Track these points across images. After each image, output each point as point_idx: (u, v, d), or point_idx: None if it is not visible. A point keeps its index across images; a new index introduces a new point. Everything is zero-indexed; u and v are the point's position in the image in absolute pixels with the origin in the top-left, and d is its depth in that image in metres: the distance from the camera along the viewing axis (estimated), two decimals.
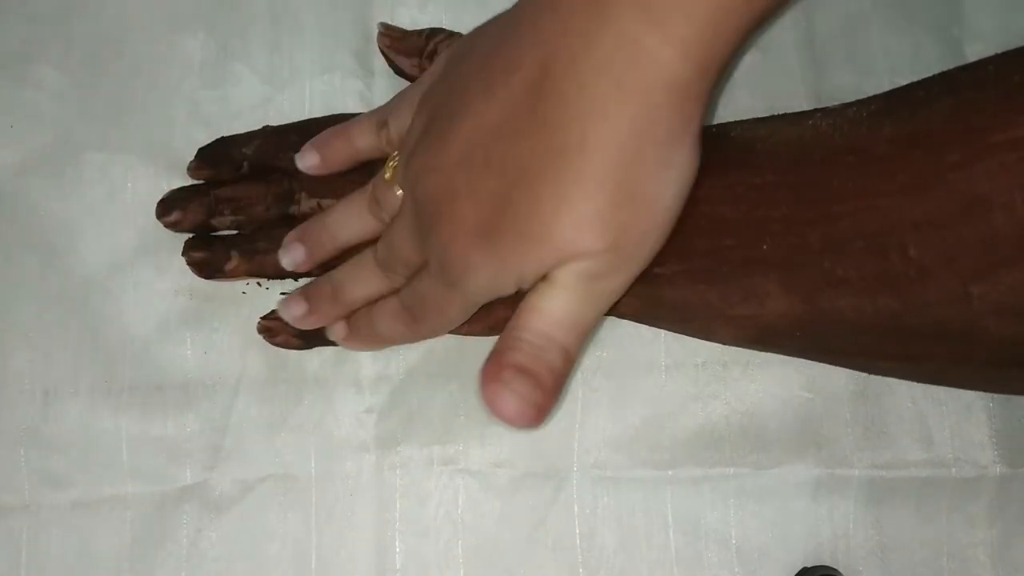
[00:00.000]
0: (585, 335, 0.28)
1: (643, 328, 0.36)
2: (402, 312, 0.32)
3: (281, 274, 0.35)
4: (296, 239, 0.34)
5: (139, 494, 0.35)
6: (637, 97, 0.24)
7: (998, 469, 0.35)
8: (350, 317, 0.34)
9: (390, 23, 0.38)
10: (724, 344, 0.35)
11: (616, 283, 0.27)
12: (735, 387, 0.36)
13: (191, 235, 0.36)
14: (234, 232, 0.36)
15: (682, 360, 0.36)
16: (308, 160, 0.35)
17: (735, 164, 0.30)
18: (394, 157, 0.32)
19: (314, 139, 0.35)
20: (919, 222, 0.25)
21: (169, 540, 0.35)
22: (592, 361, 0.36)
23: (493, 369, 0.27)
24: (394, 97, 0.35)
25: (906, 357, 0.29)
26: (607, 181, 0.25)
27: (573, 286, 0.26)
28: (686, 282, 0.31)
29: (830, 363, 0.34)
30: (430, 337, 0.34)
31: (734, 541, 0.35)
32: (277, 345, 0.35)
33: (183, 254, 0.35)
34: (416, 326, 0.32)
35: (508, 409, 0.26)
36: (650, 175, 0.25)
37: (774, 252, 0.29)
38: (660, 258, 0.31)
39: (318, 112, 0.38)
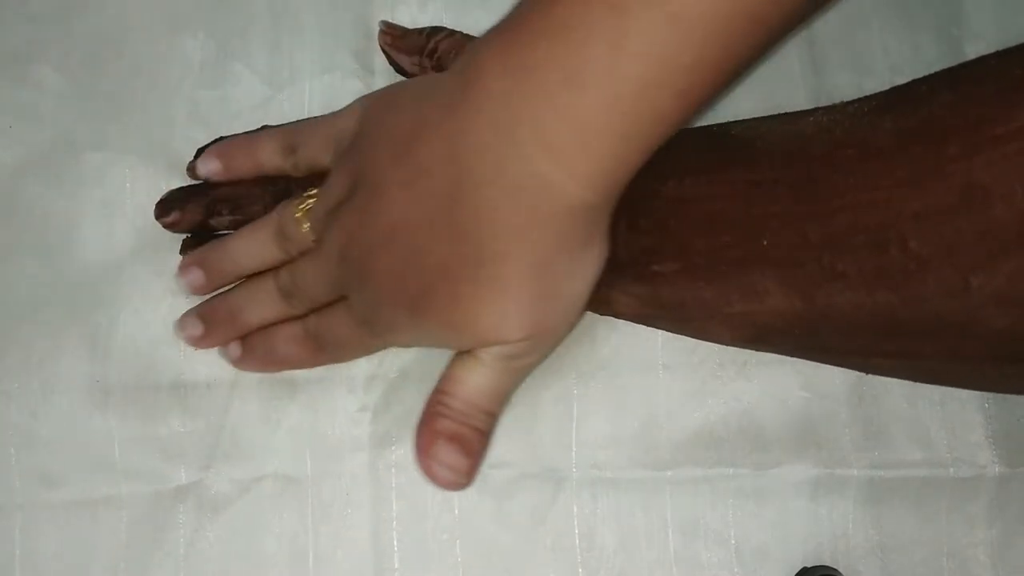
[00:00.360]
0: (505, 398, 0.31)
1: (640, 328, 0.36)
2: (307, 340, 0.34)
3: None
4: (194, 263, 0.35)
5: (134, 494, 0.35)
6: (548, 222, 0.27)
7: (996, 469, 0.35)
8: (244, 338, 0.35)
9: (391, 21, 0.38)
10: (722, 344, 0.35)
11: (532, 360, 0.30)
12: (733, 387, 0.36)
13: (188, 235, 0.36)
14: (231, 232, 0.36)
15: (680, 360, 0.36)
16: (209, 166, 0.36)
17: (734, 161, 0.30)
18: (308, 197, 0.33)
19: (217, 145, 0.36)
20: (919, 214, 0.25)
21: (165, 540, 0.34)
22: (589, 361, 0.36)
23: (427, 439, 0.30)
24: (301, 123, 0.36)
25: (903, 354, 0.29)
26: (524, 287, 0.28)
27: (492, 364, 0.30)
28: (684, 280, 0.31)
29: (827, 362, 0.34)
30: (331, 363, 0.35)
31: (733, 541, 0.35)
32: None
33: (181, 253, 0.35)
34: (319, 355, 0.34)
35: (440, 480, 0.30)
36: (562, 276, 0.28)
37: (773, 249, 0.28)
38: (658, 257, 0.31)
39: (318, 112, 0.38)
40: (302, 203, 0.33)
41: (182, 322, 0.35)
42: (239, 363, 0.35)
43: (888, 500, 0.35)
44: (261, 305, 0.34)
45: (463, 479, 0.31)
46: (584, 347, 0.36)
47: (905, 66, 0.39)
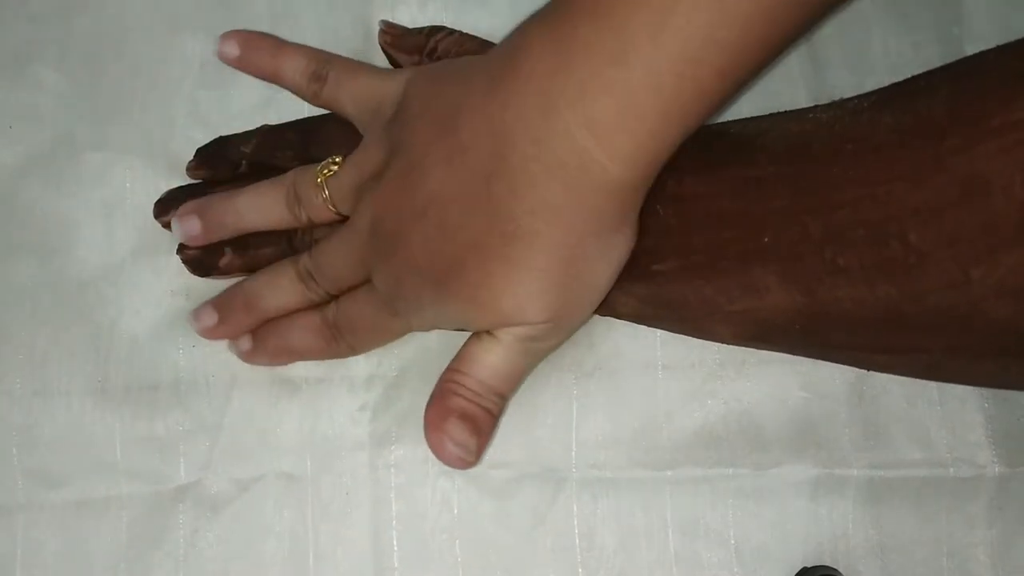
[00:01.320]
0: (519, 382, 0.32)
1: (639, 328, 0.36)
2: (323, 328, 0.33)
3: None
4: (193, 211, 0.34)
5: (134, 494, 0.35)
6: (584, 199, 0.27)
7: (996, 469, 0.35)
8: (255, 331, 0.34)
9: (391, 21, 0.38)
10: (723, 342, 0.35)
11: (550, 344, 0.31)
12: (732, 387, 0.36)
13: None
14: None
15: (678, 360, 0.36)
16: (227, 47, 0.36)
17: (735, 158, 0.30)
18: (332, 163, 0.33)
19: (242, 33, 0.36)
20: (919, 208, 0.25)
21: (165, 540, 0.34)
22: (588, 362, 0.36)
23: (437, 416, 0.31)
24: (340, 57, 0.36)
25: (904, 349, 0.29)
26: (552, 267, 0.28)
27: (513, 346, 0.30)
28: (685, 279, 0.31)
29: (828, 359, 0.34)
30: (345, 356, 0.35)
31: (733, 541, 0.35)
32: None
33: (178, 252, 0.35)
34: (337, 345, 0.34)
35: (447, 456, 0.31)
36: (590, 263, 0.28)
37: (774, 244, 0.28)
38: (658, 256, 0.31)
39: (318, 113, 0.38)
40: (324, 168, 0.33)
41: (196, 313, 0.35)
42: (249, 356, 0.35)
43: (888, 500, 0.35)
44: (279, 291, 0.34)
45: (471, 457, 0.31)
46: (583, 347, 0.36)
47: (905, 66, 0.39)
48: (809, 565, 0.35)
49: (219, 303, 0.34)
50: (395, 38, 0.37)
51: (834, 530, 0.35)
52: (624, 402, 0.36)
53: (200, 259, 0.35)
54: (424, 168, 0.29)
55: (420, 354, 0.36)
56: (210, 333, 0.35)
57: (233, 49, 0.36)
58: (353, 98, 0.34)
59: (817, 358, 0.34)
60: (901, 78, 0.39)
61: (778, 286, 0.29)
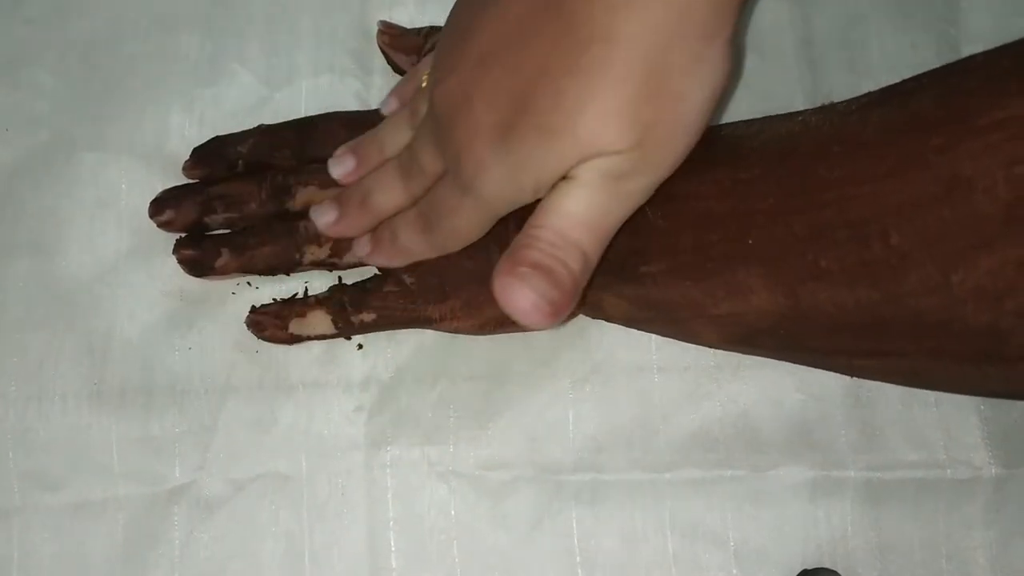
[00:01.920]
0: (606, 238, 0.27)
1: (633, 332, 0.36)
2: (418, 220, 0.32)
3: (270, 269, 0.35)
4: (348, 151, 0.34)
5: (130, 495, 0.35)
6: None
7: (993, 470, 0.35)
8: (372, 232, 0.34)
9: (390, 21, 0.38)
10: (710, 346, 0.35)
11: (639, 184, 0.26)
12: (728, 388, 0.36)
13: (183, 235, 0.36)
14: (226, 231, 0.36)
15: (673, 363, 0.36)
16: (390, 106, 0.35)
17: (723, 159, 0.30)
18: (428, 75, 0.31)
19: (392, 91, 0.35)
20: (902, 206, 0.25)
21: (161, 541, 0.34)
22: (584, 366, 0.36)
23: (508, 264, 0.26)
24: (410, 77, 0.35)
25: (884, 354, 0.29)
26: (634, 74, 0.24)
27: (595, 184, 0.26)
28: (671, 280, 0.31)
29: (812, 364, 0.34)
30: (449, 250, 0.33)
31: (732, 543, 0.35)
32: (264, 339, 0.35)
33: (174, 252, 0.35)
34: (431, 236, 0.32)
35: (522, 302, 0.26)
36: (679, 72, 0.24)
37: (759, 245, 0.28)
38: (646, 257, 0.31)
39: (315, 112, 0.38)
40: (425, 76, 0.31)
41: (320, 208, 0.34)
42: (371, 256, 0.34)
43: (886, 502, 0.35)
44: (386, 189, 0.33)
45: (547, 307, 0.26)
46: (578, 351, 0.36)
47: (903, 67, 0.39)
48: (808, 567, 0.35)
49: (340, 200, 0.34)
50: (393, 38, 0.37)
51: (833, 532, 0.35)
52: (620, 405, 0.36)
53: (196, 259, 0.35)
54: (482, 15, 0.27)
55: (416, 355, 0.36)
56: (330, 228, 0.34)
57: (393, 103, 0.35)
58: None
59: (801, 364, 0.34)
60: (899, 78, 0.39)
61: (762, 288, 0.29)
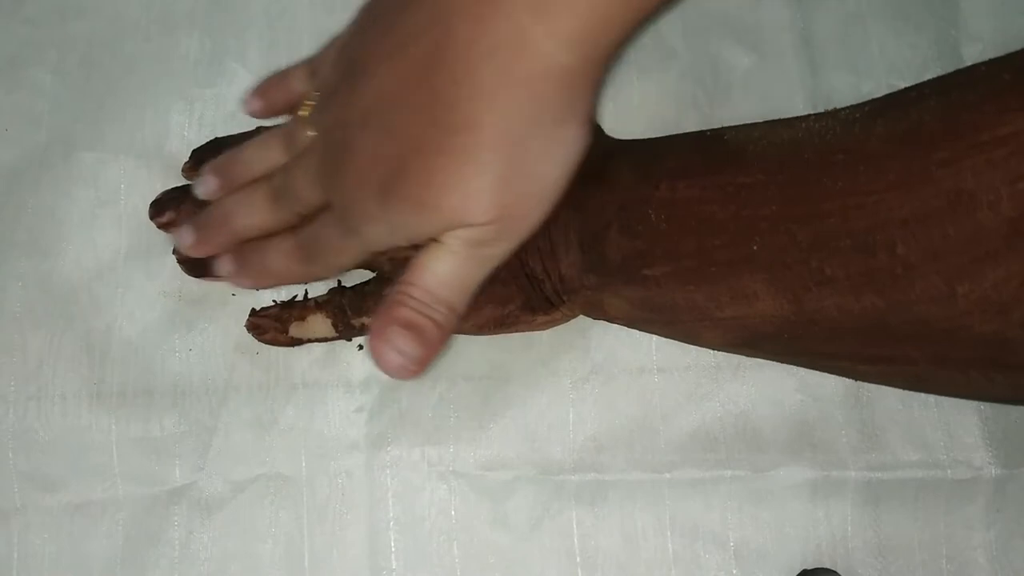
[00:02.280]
0: (469, 293, 0.31)
1: (634, 332, 0.36)
2: (296, 250, 0.33)
3: None
4: (211, 171, 0.35)
5: (130, 496, 0.35)
6: (523, 84, 0.26)
7: (993, 471, 0.35)
8: (236, 253, 0.35)
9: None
10: (713, 348, 0.35)
11: (500, 249, 0.30)
12: (728, 388, 0.36)
13: None
14: None
15: (673, 363, 0.36)
16: (253, 105, 0.36)
17: (726, 165, 0.30)
18: (313, 96, 0.33)
19: (256, 87, 0.36)
20: (907, 219, 0.25)
21: (161, 541, 0.34)
22: (584, 366, 0.36)
23: (381, 325, 0.30)
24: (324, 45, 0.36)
25: (889, 359, 0.29)
26: (495, 160, 0.27)
27: (459, 250, 0.29)
28: (674, 284, 0.31)
29: (815, 367, 0.34)
30: (320, 278, 0.35)
31: (732, 543, 0.35)
32: (265, 342, 0.35)
33: (173, 253, 0.35)
34: (308, 266, 0.33)
35: (390, 365, 0.30)
36: (536, 156, 0.27)
37: (762, 251, 0.28)
38: (649, 260, 0.31)
39: None
40: (306, 104, 0.33)
41: (180, 232, 0.35)
42: (234, 278, 0.35)
43: (886, 502, 0.35)
44: (252, 209, 0.34)
45: (413, 366, 0.30)
46: (578, 351, 0.36)
47: (903, 67, 0.39)
48: (808, 567, 0.35)
49: (197, 222, 0.35)
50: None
51: (833, 532, 0.35)
52: (620, 405, 0.36)
53: (196, 260, 0.35)
54: (367, 71, 0.29)
55: None
56: (189, 249, 0.35)
57: (257, 104, 0.36)
58: (335, 53, 0.33)
59: (805, 367, 0.34)
60: (899, 79, 0.39)
61: (766, 293, 0.29)
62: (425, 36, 0.27)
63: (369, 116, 0.29)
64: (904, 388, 0.34)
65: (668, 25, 0.40)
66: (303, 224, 0.33)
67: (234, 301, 0.36)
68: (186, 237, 0.34)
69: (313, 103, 0.32)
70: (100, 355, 0.36)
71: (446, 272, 0.29)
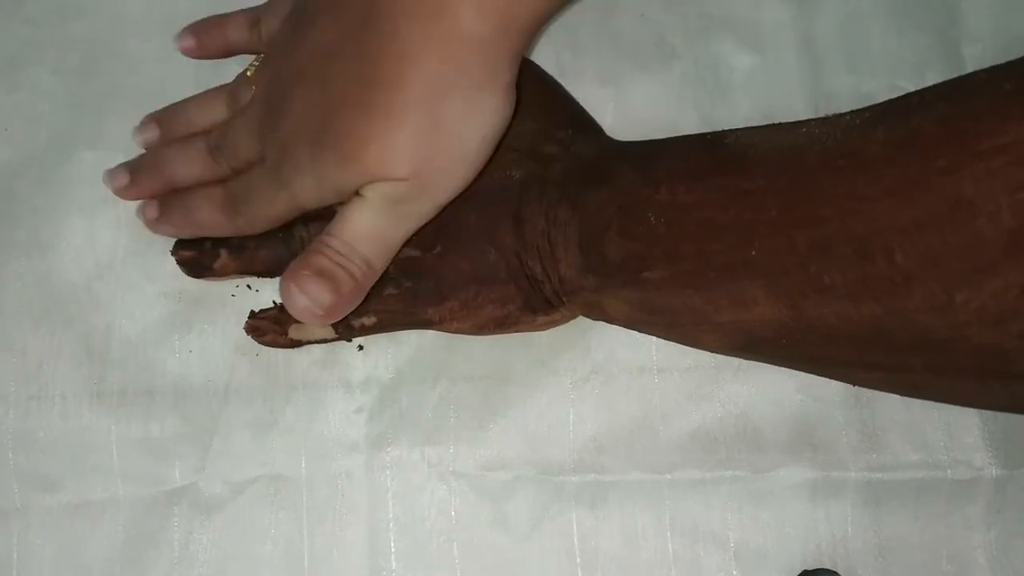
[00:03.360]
0: (389, 250, 0.31)
1: (634, 333, 0.36)
2: (224, 200, 0.34)
3: (269, 270, 0.35)
4: (152, 119, 0.36)
5: (130, 496, 0.35)
6: (443, 47, 0.27)
7: (993, 471, 0.35)
8: (163, 200, 0.35)
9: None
10: (711, 351, 0.35)
11: (417, 208, 0.30)
12: (728, 389, 0.36)
13: None
14: None
15: (674, 363, 0.36)
16: (184, 42, 0.37)
17: (727, 169, 0.30)
18: (259, 57, 0.35)
19: (191, 25, 0.37)
20: (906, 226, 0.25)
21: (160, 542, 0.34)
22: (584, 366, 0.36)
23: (295, 268, 0.30)
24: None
25: (887, 367, 0.29)
26: (413, 116, 0.28)
27: (379, 204, 0.30)
28: (673, 288, 0.31)
29: (813, 372, 0.34)
30: (247, 232, 0.34)
31: (732, 544, 0.35)
32: (265, 344, 0.35)
33: (172, 254, 0.35)
34: (234, 218, 0.34)
35: (296, 307, 0.30)
36: (455, 117, 0.28)
37: (761, 256, 0.28)
38: (648, 263, 0.31)
39: None
40: (252, 65, 0.34)
41: (109, 173, 0.36)
42: (155, 224, 0.35)
43: (886, 502, 0.35)
44: (188, 160, 0.35)
45: (320, 312, 0.30)
46: (579, 351, 0.36)
47: (903, 67, 0.39)
48: (809, 568, 0.35)
49: (132, 165, 0.36)
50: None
51: (833, 532, 0.35)
52: (621, 405, 0.36)
53: (195, 260, 0.35)
54: (307, 23, 0.30)
55: (416, 356, 0.36)
56: (121, 192, 0.35)
57: (190, 41, 0.37)
58: (282, 9, 0.35)
59: (803, 371, 0.34)
60: (899, 80, 0.39)
61: (765, 299, 0.29)
62: None
63: (307, 68, 0.30)
64: (902, 395, 0.34)
65: (669, 25, 0.40)
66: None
67: (234, 302, 0.36)
68: (120, 179, 0.35)
69: (258, 64, 0.34)
70: (100, 355, 0.35)
71: (365, 225, 0.30)
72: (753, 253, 0.28)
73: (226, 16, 0.37)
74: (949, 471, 0.35)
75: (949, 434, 0.35)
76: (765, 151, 0.30)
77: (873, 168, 0.26)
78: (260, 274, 0.36)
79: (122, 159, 0.37)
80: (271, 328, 0.35)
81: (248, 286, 0.36)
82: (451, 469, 0.35)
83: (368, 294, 0.34)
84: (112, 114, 0.38)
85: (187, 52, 0.37)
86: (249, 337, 0.35)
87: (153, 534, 0.34)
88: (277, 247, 0.35)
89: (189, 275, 0.35)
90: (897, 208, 0.25)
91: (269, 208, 0.33)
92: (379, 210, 0.30)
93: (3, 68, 0.38)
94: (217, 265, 0.35)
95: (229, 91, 0.35)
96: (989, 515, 0.35)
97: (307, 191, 0.31)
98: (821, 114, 0.37)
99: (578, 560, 0.35)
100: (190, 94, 0.38)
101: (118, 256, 0.36)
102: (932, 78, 0.38)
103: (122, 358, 0.36)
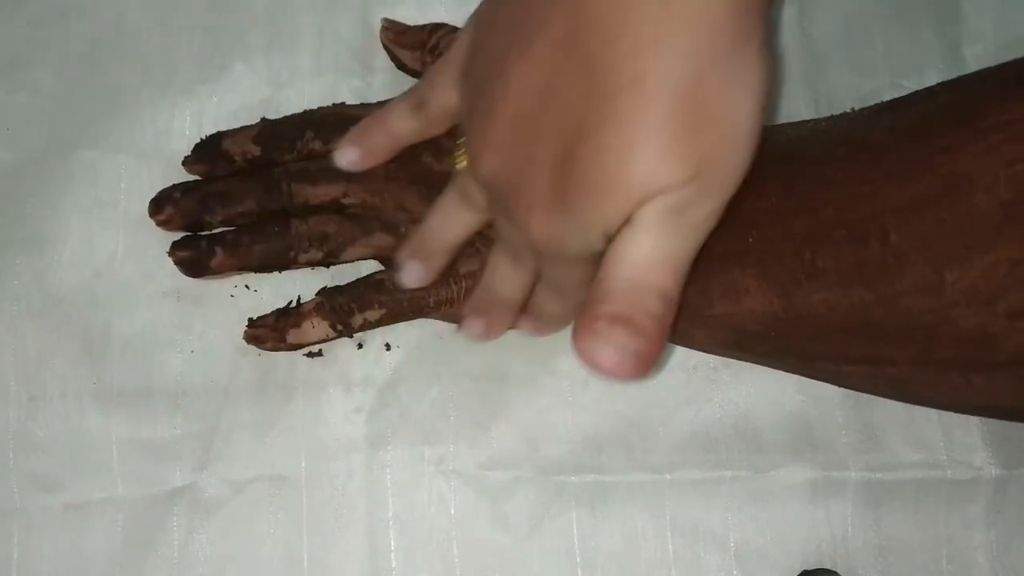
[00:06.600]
0: (683, 271, 0.25)
1: None
2: (552, 293, 0.31)
3: (266, 265, 0.35)
4: (410, 253, 0.34)
5: (129, 497, 0.35)
6: (689, 16, 0.22)
7: (993, 471, 0.35)
8: (523, 313, 0.33)
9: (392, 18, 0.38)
10: (702, 349, 0.35)
11: (704, 211, 0.25)
12: (727, 389, 0.36)
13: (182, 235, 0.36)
14: (226, 228, 0.36)
15: (673, 363, 0.36)
16: (348, 156, 0.34)
17: None
18: (460, 144, 0.30)
19: (350, 132, 0.34)
20: (902, 206, 0.25)
21: (160, 542, 0.34)
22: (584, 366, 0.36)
23: (585, 322, 0.24)
24: (424, 76, 0.34)
25: (871, 360, 0.29)
26: (674, 111, 0.23)
27: (656, 225, 0.24)
28: None
29: (800, 372, 0.34)
30: (571, 319, 0.31)
31: (732, 544, 0.35)
32: (266, 351, 0.35)
33: (169, 254, 0.35)
34: (564, 302, 0.31)
35: (606, 361, 0.24)
36: (719, 94, 0.23)
37: (758, 244, 0.28)
38: None
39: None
40: (457, 153, 0.30)
41: (466, 325, 0.33)
42: (484, 335, 0.33)
43: (887, 502, 0.35)
44: (509, 278, 0.32)
45: (633, 360, 0.24)
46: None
47: (904, 66, 0.39)
48: (809, 568, 0.35)
49: (476, 308, 0.34)
50: (397, 35, 0.37)
51: (833, 532, 0.35)
52: (620, 406, 0.36)
53: (192, 260, 0.35)
54: (502, 82, 0.25)
55: (416, 355, 0.36)
56: (483, 337, 0.34)
57: (354, 154, 0.34)
58: (448, 87, 0.31)
59: (790, 371, 0.34)
60: (901, 78, 0.39)
61: (756, 288, 0.29)
62: (561, 11, 0.24)
63: (517, 129, 0.25)
64: (886, 395, 0.34)
65: None
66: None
67: (234, 303, 0.36)
68: (476, 327, 0.33)
69: (462, 151, 0.30)
70: (99, 354, 0.35)
71: (644, 254, 0.25)
72: (750, 240, 0.28)
73: (383, 112, 0.34)
74: (949, 471, 0.35)
75: (949, 434, 0.35)
76: (768, 142, 0.30)
77: (875, 152, 0.26)
78: (257, 270, 0.36)
79: (122, 159, 0.37)
80: (270, 336, 0.35)
81: (247, 287, 0.36)
82: (451, 468, 0.35)
83: (370, 285, 0.34)
84: (112, 114, 0.38)
85: (354, 166, 0.34)
86: None
87: (153, 534, 0.34)
88: (273, 241, 0.35)
89: (187, 275, 0.35)
90: (896, 189, 0.25)
91: (571, 283, 0.29)
92: (658, 231, 0.24)
93: (4, 68, 0.38)
94: (214, 263, 0.35)
95: (460, 193, 0.32)
96: (989, 515, 0.35)
97: (576, 251, 0.26)
98: (822, 113, 0.38)
99: (578, 560, 0.35)
100: (192, 94, 0.38)
101: (117, 256, 0.36)
102: (933, 77, 0.38)
103: (122, 357, 0.36)
